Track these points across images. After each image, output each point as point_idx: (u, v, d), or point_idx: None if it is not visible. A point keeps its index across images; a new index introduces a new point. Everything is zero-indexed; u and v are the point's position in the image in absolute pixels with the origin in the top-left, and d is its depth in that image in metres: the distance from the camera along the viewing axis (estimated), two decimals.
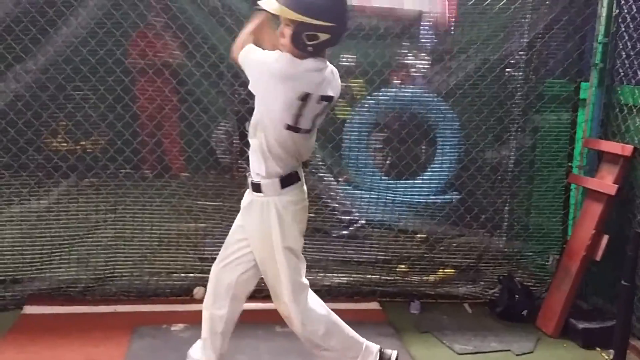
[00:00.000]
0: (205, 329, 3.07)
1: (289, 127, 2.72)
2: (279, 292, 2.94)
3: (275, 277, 2.92)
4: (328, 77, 2.79)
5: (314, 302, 3.01)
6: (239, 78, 4.06)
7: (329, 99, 2.79)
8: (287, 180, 2.83)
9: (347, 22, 2.79)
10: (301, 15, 2.60)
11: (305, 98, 2.69)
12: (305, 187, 2.95)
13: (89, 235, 4.09)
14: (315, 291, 4.13)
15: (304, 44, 2.66)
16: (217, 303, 3.03)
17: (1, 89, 3.83)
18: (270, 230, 2.84)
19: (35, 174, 3.93)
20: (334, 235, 4.43)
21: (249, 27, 2.86)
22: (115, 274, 4.15)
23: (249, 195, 2.95)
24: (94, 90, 3.91)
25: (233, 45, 2.87)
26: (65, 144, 4.04)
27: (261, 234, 2.87)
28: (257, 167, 2.84)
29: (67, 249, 4.06)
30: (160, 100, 4.04)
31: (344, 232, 4.38)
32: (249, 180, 2.90)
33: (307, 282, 3.00)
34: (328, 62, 2.82)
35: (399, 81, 4.39)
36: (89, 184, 4.04)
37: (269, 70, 2.68)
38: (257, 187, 2.85)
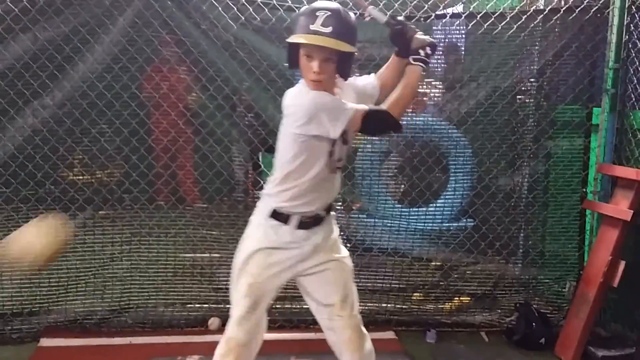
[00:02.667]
0: None
1: None
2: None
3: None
4: None
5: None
6: (252, 109, 4.13)
7: None
8: None
9: None
10: (352, 46, 2.58)
11: None
12: None
13: (105, 267, 4.13)
14: None
15: (350, 72, 2.67)
16: None
17: (19, 125, 3.90)
18: None
19: (52, 206, 3.97)
20: None
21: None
22: (131, 305, 4.17)
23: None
24: (109, 124, 3.99)
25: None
26: (81, 177, 4.10)
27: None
28: None
29: (83, 281, 4.10)
30: (175, 132, 4.10)
31: (358, 260, 4.37)
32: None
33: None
34: None
35: (411, 109, 4.41)
36: (105, 216, 4.09)
37: None
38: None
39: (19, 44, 3.83)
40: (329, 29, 2.52)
